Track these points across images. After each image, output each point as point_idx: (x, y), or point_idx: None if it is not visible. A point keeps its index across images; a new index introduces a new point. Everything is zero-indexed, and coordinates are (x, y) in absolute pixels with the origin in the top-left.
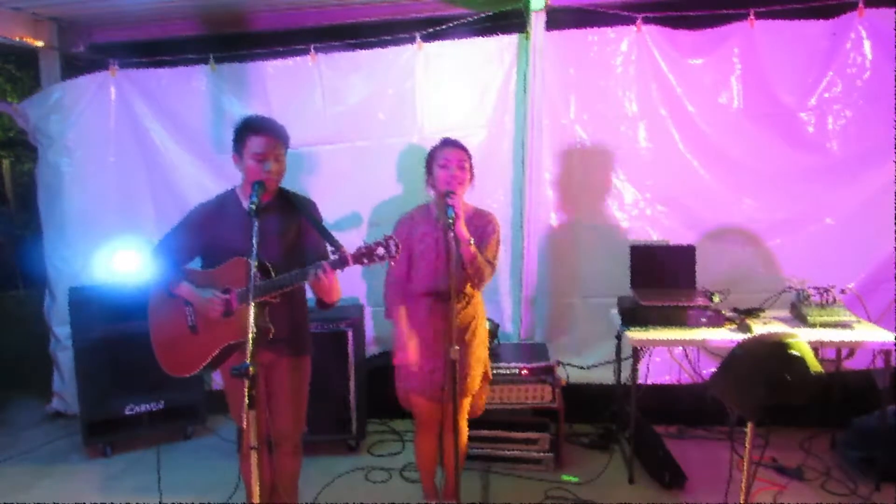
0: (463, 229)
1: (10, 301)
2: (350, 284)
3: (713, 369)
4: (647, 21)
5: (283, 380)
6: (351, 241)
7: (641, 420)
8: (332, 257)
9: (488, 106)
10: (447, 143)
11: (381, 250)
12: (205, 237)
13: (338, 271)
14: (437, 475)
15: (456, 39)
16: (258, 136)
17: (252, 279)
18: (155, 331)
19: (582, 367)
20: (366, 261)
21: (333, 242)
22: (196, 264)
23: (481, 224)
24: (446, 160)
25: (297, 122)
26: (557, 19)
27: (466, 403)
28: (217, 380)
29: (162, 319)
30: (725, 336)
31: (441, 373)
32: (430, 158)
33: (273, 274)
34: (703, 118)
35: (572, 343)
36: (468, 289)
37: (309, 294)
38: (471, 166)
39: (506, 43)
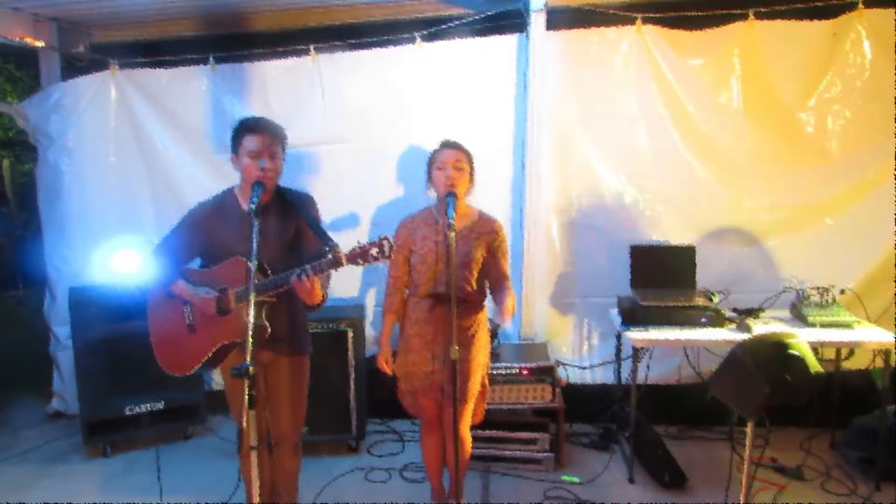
0: None
1: (10, 301)
2: (350, 284)
3: (713, 369)
4: (647, 21)
5: (282, 379)
6: (351, 241)
7: (641, 420)
8: (326, 257)
9: (488, 106)
10: (445, 144)
11: (374, 251)
12: (203, 237)
13: (334, 271)
14: (444, 475)
15: (456, 39)
16: (253, 134)
17: (251, 279)
18: (154, 329)
19: (582, 367)
20: (360, 261)
21: (328, 242)
22: (195, 264)
23: (485, 231)
24: (443, 161)
25: (297, 122)
26: (557, 19)
27: (469, 409)
28: (217, 380)
29: (161, 318)
30: (725, 336)
31: (442, 374)
32: (430, 161)
33: (270, 274)
34: (703, 118)
35: (572, 343)
36: (470, 292)
37: None
38: (471, 167)
39: (506, 43)
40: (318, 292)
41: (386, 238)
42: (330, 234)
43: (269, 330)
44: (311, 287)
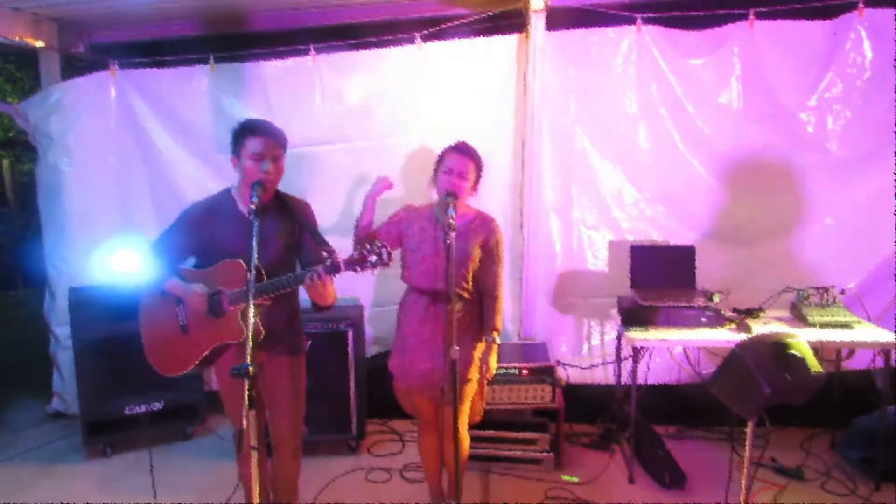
0: None
1: (10, 301)
2: (351, 284)
3: (713, 369)
4: (647, 21)
5: (279, 380)
6: (350, 242)
7: (641, 420)
8: (324, 263)
9: (488, 106)
10: (457, 149)
11: (373, 258)
12: (199, 237)
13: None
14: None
15: (456, 39)
16: (255, 137)
17: (251, 281)
18: (146, 329)
19: (582, 367)
20: (358, 268)
21: (326, 248)
22: (188, 264)
23: (481, 229)
24: (450, 167)
25: (296, 122)
26: (557, 19)
27: (466, 408)
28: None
29: (153, 318)
30: (725, 336)
31: (439, 373)
32: (439, 160)
33: (265, 276)
34: (703, 118)
35: (572, 343)
36: (466, 292)
37: (303, 295)
38: (476, 176)
39: (506, 43)
40: (331, 293)
41: (384, 245)
42: (328, 234)
43: (263, 333)
44: (324, 288)
